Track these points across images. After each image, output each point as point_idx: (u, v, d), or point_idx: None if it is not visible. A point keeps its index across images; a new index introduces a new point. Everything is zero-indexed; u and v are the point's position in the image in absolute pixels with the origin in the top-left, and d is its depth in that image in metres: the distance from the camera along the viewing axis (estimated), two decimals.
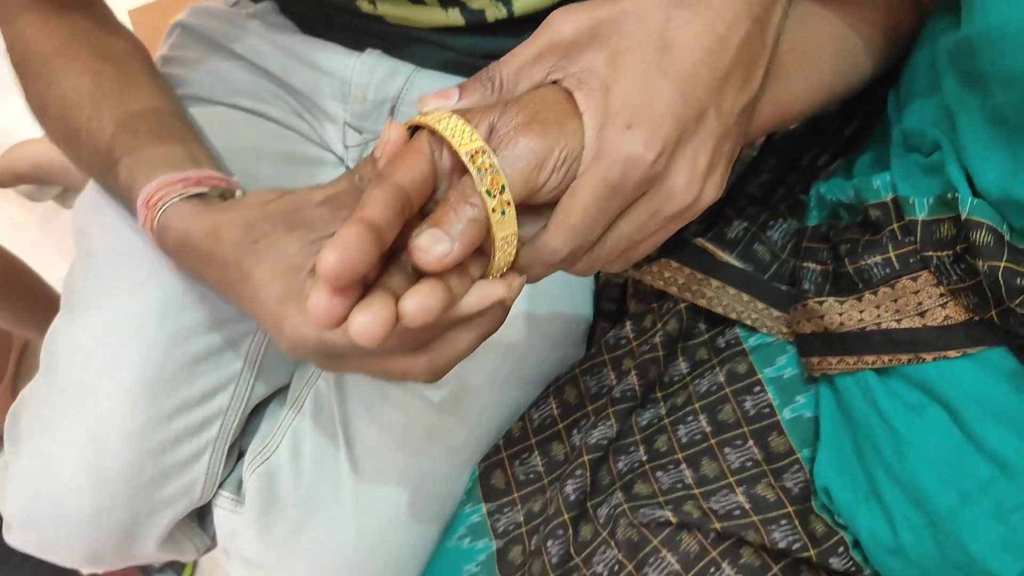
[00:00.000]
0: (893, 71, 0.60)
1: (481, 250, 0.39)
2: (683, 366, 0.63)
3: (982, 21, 0.45)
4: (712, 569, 0.55)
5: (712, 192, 0.43)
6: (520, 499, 0.62)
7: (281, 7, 0.73)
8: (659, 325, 0.63)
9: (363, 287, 0.36)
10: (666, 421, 0.60)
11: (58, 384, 0.61)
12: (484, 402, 0.65)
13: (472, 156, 0.38)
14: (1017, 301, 0.45)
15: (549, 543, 0.57)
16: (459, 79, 0.68)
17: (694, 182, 0.41)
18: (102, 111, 0.57)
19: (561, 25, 0.41)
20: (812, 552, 0.54)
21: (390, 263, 0.38)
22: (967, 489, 0.49)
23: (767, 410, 0.58)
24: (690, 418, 0.59)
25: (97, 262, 0.64)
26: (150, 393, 0.59)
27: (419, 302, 0.35)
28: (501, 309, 0.41)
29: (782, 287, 0.61)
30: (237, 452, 0.67)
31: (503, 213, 0.38)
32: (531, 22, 0.68)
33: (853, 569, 0.54)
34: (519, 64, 0.41)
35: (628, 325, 0.66)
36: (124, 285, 0.62)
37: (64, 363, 0.61)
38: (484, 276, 0.40)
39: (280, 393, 0.69)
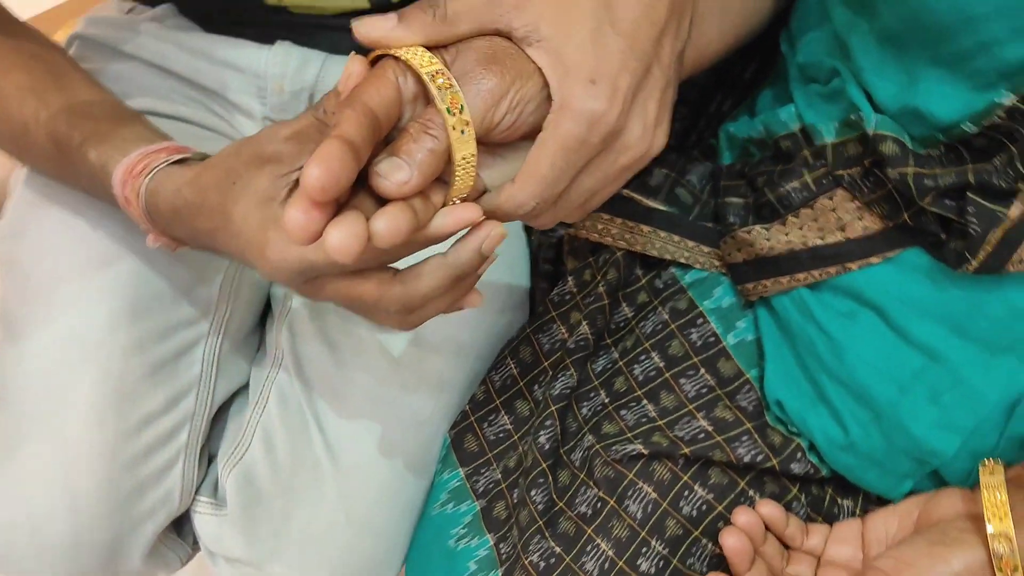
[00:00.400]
0: (782, 13, 0.64)
1: (442, 179, 0.41)
2: (627, 311, 0.66)
3: None
4: (686, 492, 0.59)
5: (661, 140, 0.46)
6: (494, 458, 0.65)
7: (180, 9, 0.73)
8: (599, 276, 0.67)
9: (336, 208, 0.38)
10: (620, 363, 0.64)
11: (15, 411, 0.60)
12: (444, 373, 0.67)
13: (432, 76, 0.40)
14: (927, 200, 0.50)
15: (532, 492, 0.60)
16: None
17: (647, 132, 0.45)
18: (48, 102, 0.56)
19: None
20: (775, 461, 0.58)
21: (358, 189, 0.39)
22: (903, 380, 0.55)
23: (712, 339, 0.62)
24: (642, 357, 0.63)
25: (33, 284, 0.64)
26: (115, 406, 0.59)
27: (387, 222, 0.37)
28: (477, 254, 0.43)
29: (708, 224, 0.65)
30: (207, 456, 0.67)
31: (463, 132, 0.40)
32: None
33: (812, 471, 0.59)
34: (446, 13, 0.42)
35: (570, 281, 0.69)
36: (68, 302, 0.62)
37: (17, 389, 0.61)
38: (446, 201, 0.42)
39: (240, 393, 0.69)
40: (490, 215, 0.44)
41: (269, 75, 0.69)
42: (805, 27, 0.60)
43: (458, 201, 0.43)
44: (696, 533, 0.59)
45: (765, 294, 0.60)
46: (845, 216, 0.56)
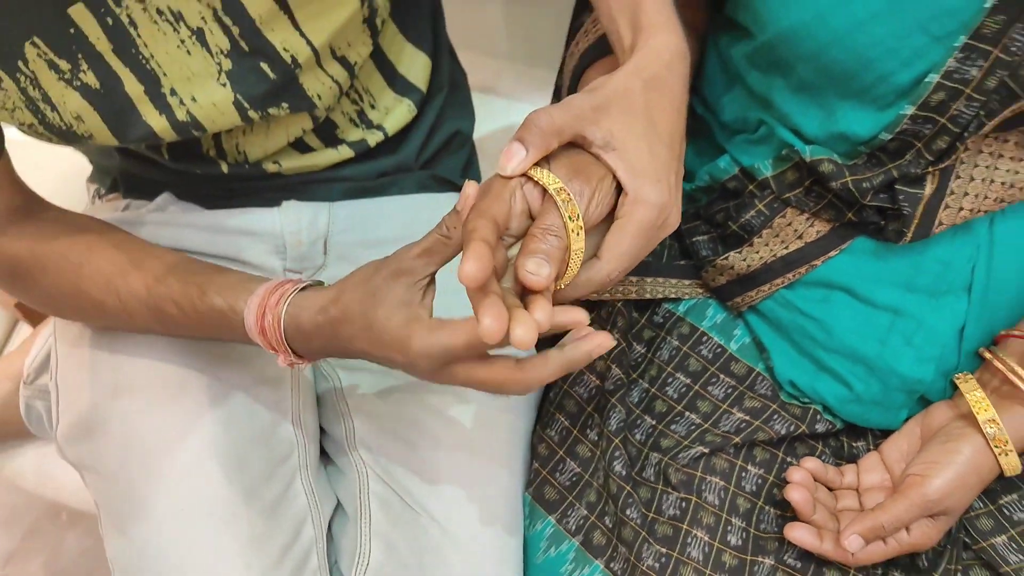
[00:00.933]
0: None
1: None
2: (639, 348, 0.80)
3: (775, 28, 0.66)
4: (743, 473, 0.72)
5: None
6: (575, 499, 0.75)
7: (179, 194, 0.81)
8: (609, 327, 0.80)
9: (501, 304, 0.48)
10: (653, 390, 0.77)
11: None
12: (506, 438, 0.77)
13: (558, 192, 0.52)
14: (867, 199, 0.67)
15: (627, 512, 0.71)
16: (369, 200, 0.80)
17: (679, 212, 0.58)
18: (149, 269, 0.65)
19: (581, 103, 0.55)
20: (803, 427, 0.73)
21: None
22: (880, 336, 0.71)
23: (719, 350, 0.77)
24: (670, 379, 0.76)
25: (129, 474, 0.69)
26: (254, 548, 0.66)
27: (543, 314, 0.48)
28: (588, 355, 0.54)
29: (682, 263, 0.80)
30: None
31: (578, 234, 0.52)
32: (403, 136, 0.82)
33: (830, 427, 0.74)
34: (555, 123, 0.53)
35: None
36: (176, 475, 0.68)
37: (156, 568, 0.66)
38: (557, 285, 0.54)
39: (335, 515, 0.76)
40: (584, 285, 0.56)
41: (286, 232, 0.78)
42: (717, 92, 0.77)
43: (563, 287, 0.55)
44: (759, 503, 0.72)
45: (753, 303, 0.75)
46: (800, 227, 0.72)
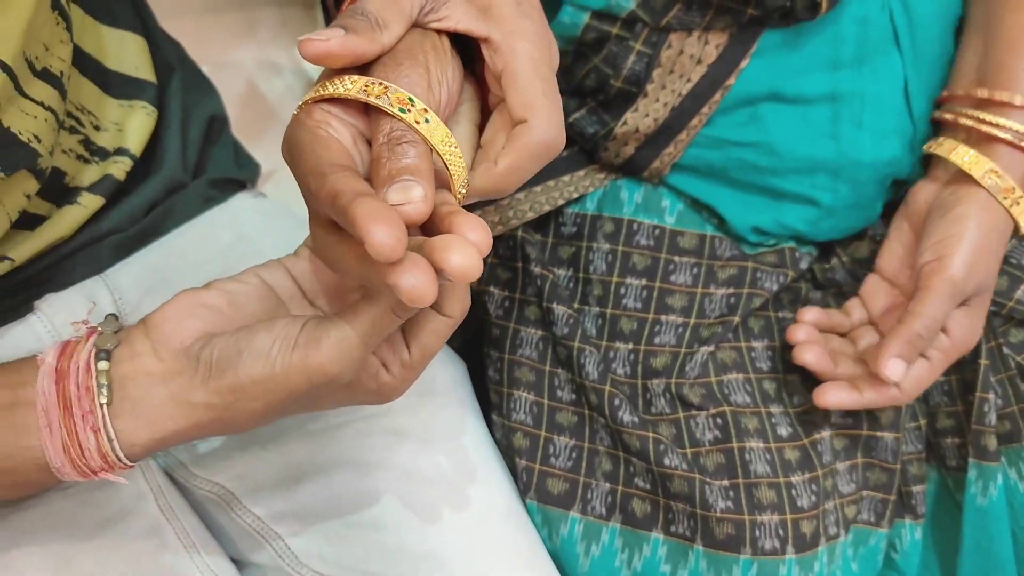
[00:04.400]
0: None
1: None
2: (566, 271, 0.64)
3: None
4: (752, 354, 0.61)
5: None
6: (588, 476, 0.60)
7: None
8: (519, 264, 0.64)
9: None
10: (609, 311, 0.62)
11: None
12: (471, 455, 0.60)
13: (365, 91, 0.37)
14: None
15: (665, 461, 0.56)
16: (151, 249, 0.59)
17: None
18: None
19: None
20: (791, 272, 0.61)
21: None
22: (828, 131, 0.60)
23: (657, 232, 0.63)
24: (622, 290, 0.62)
25: None
26: None
27: (476, 227, 0.35)
28: None
29: (565, 152, 0.65)
30: None
31: (427, 121, 0.37)
32: (155, 149, 0.60)
33: (814, 257, 0.63)
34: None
35: (494, 292, 0.65)
36: None
37: None
38: (456, 196, 0.40)
39: None
40: (526, 160, 0.40)
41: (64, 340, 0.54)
42: None
43: (464, 192, 0.40)
44: (782, 376, 0.61)
45: (674, 160, 0.61)
46: (695, 50, 0.59)
